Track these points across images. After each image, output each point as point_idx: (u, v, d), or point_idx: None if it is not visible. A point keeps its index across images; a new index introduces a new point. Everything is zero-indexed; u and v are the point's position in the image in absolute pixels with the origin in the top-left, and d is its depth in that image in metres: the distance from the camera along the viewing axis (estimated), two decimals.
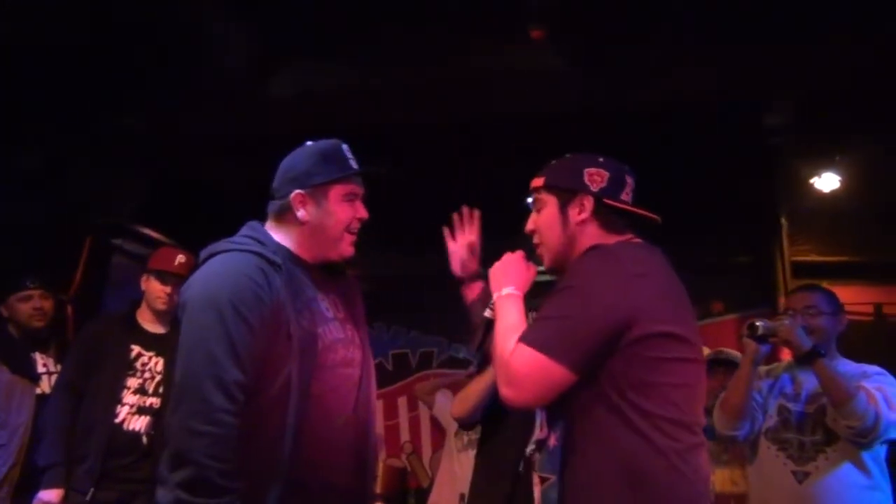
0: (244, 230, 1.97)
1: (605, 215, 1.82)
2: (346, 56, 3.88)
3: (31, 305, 3.54)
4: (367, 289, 2.27)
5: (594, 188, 1.82)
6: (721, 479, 3.51)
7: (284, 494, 1.75)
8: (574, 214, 1.82)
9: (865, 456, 2.61)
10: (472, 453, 4.20)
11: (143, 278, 3.37)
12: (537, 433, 2.37)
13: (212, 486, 1.66)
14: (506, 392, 1.64)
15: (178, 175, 4.89)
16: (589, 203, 1.81)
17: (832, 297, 2.82)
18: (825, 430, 2.64)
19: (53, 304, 3.67)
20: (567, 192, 1.84)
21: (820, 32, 3.50)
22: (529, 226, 1.92)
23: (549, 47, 3.60)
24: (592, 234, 1.81)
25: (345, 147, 1.97)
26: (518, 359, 1.62)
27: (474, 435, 4.17)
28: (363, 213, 1.98)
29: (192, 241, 3.90)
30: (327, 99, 4.08)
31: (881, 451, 2.66)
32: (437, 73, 3.90)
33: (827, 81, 3.87)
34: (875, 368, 2.73)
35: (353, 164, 1.95)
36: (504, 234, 2.34)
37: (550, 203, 1.86)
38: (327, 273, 2.01)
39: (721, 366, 3.58)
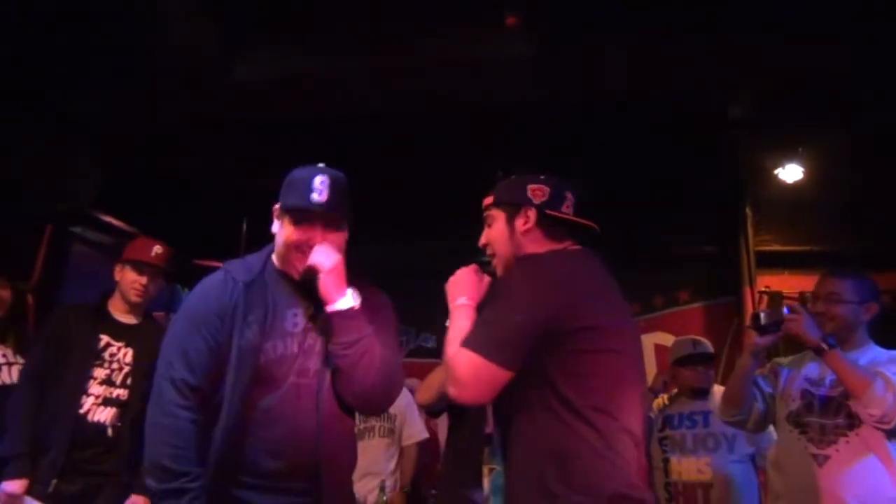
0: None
1: (548, 225, 2.03)
2: (311, 42, 3.84)
3: None
4: None
5: (537, 201, 2.03)
6: (687, 467, 3.56)
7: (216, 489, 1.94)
8: (520, 225, 2.03)
9: (890, 443, 2.57)
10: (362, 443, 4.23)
11: (118, 268, 3.31)
12: (487, 428, 2.48)
13: (164, 470, 1.89)
14: (451, 391, 1.86)
15: (138, 161, 4.80)
16: (532, 214, 2.02)
17: (861, 286, 2.75)
18: (848, 413, 2.61)
19: (11, 294, 3.59)
20: (513, 206, 2.05)
21: (784, 24, 3.52)
22: (482, 240, 2.13)
23: (516, 36, 3.59)
24: (536, 242, 2.02)
25: (318, 178, 2.05)
26: (459, 361, 1.83)
27: (362, 424, 4.22)
28: (316, 240, 2.06)
29: (152, 228, 3.87)
30: (292, 85, 4.03)
31: None
32: (403, 61, 3.86)
33: (791, 72, 3.90)
34: None
35: (316, 196, 2.03)
36: (469, 228, 2.35)
37: (500, 218, 2.07)
38: (313, 284, 2.08)
39: (700, 359, 3.68)
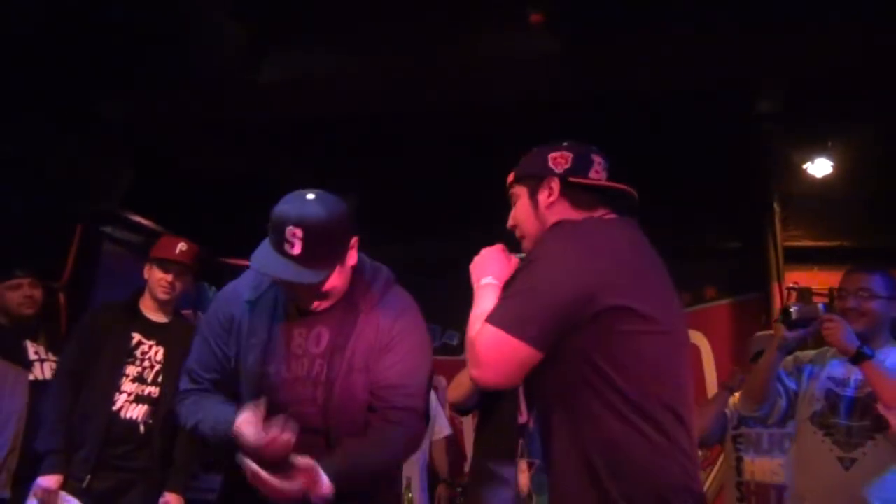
0: None
1: (574, 194, 1.85)
2: (339, 41, 3.85)
3: (21, 294, 3.53)
4: None
5: (559, 170, 1.85)
6: (761, 467, 3.47)
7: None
8: (543, 198, 1.86)
9: None
10: None
11: (146, 267, 3.35)
12: (519, 418, 2.38)
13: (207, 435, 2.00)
14: (473, 373, 1.67)
15: (167, 161, 4.86)
16: (556, 184, 1.85)
17: (890, 281, 2.69)
18: (875, 416, 2.55)
19: (43, 292, 3.66)
20: (535, 179, 1.88)
21: (813, 17, 3.48)
22: (510, 221, 1.95)
23: (541, 32, 3.58)
24: (563, 213, 1.84)
25: (288, 231, 1.84)
26: (481, 338, 1.65)
27: None
28: (297, 296, 1.96)
29: (181, 227, 3.91)
30: (319, 85, 4.05)
31: None
32: (431, 60, 3.86)
33: (820, 66, 3.85)
34: None
35: (286, 247, 1.84)
36: (496, 221, 2.33)
37: (523, 194, 1.90)
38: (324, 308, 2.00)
39: None
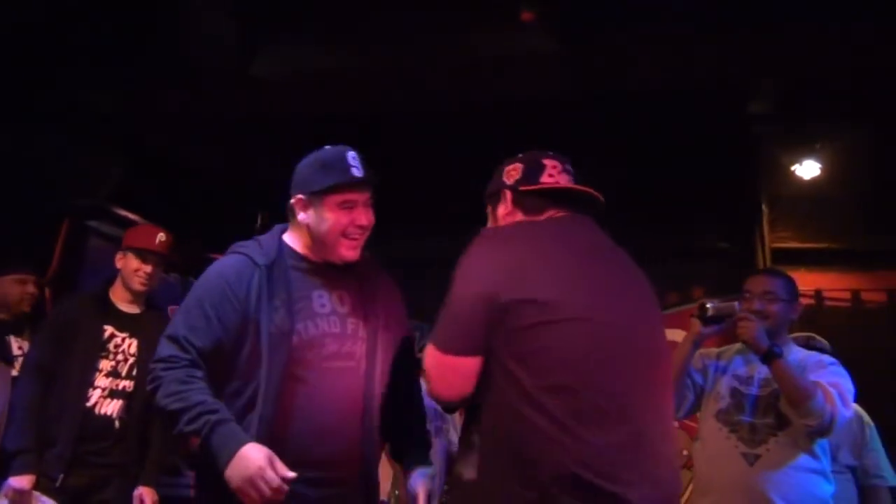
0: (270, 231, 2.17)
1: (526, 201, 1.89)
2: (337, 40, 3.84)
3: (25, 289, 3.47)
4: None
5: (510, 182, 1.91)
6: None
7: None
8: (501, 211, 1.93)
9: (816, 441, 2.63)
10: None
11: (119, 255, 3.22)
12: None
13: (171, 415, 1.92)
14: (428, 391, 1.77)
15: (155, 156, 4.82)
16: (509, 196, 1.91)
17: (791, 284, 2.82)
18: (777, 413, 2.65)
19: (37, 289, 3.61)
20: (496, 196, 1.95)
21: (804, 20, 3.50)
22: None
23: (540, 32, 3.58)
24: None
25: (350, 155, 2.00)
26: (427, 359, 1.74)
27: (439, 423, 4.19)
28: (362, 220, 2.01)
29: (169, 222, 3.88)
30: (316, 83, 4.03)
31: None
32: (431, 60, 3.86)
33: (809, 69, 3.88)
34: (829, 359, 2.75)
35: (356, 171, 1.98)
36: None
37: (490, 213, 1.98)
38: (339, 270, 2.08)
39: None
